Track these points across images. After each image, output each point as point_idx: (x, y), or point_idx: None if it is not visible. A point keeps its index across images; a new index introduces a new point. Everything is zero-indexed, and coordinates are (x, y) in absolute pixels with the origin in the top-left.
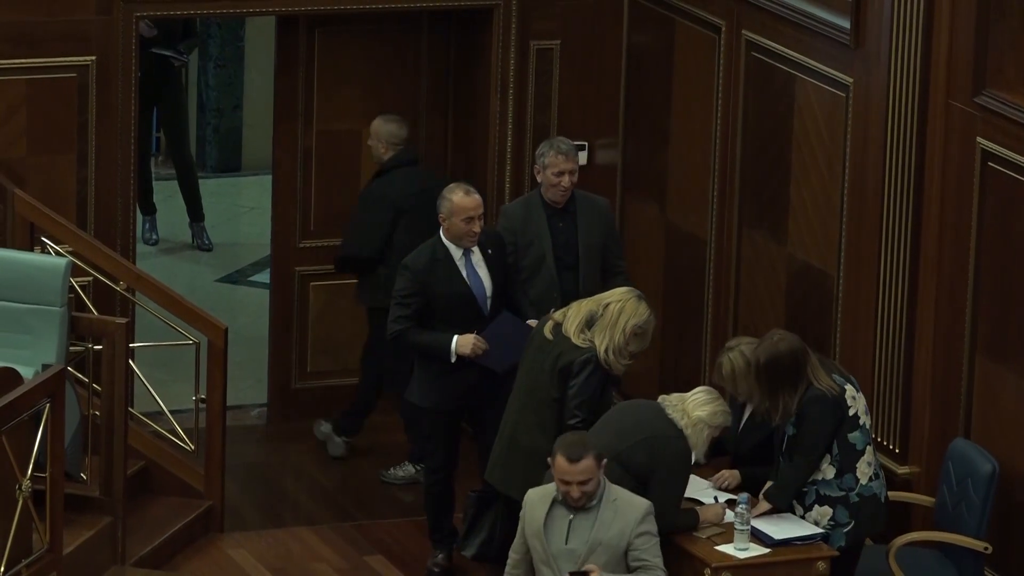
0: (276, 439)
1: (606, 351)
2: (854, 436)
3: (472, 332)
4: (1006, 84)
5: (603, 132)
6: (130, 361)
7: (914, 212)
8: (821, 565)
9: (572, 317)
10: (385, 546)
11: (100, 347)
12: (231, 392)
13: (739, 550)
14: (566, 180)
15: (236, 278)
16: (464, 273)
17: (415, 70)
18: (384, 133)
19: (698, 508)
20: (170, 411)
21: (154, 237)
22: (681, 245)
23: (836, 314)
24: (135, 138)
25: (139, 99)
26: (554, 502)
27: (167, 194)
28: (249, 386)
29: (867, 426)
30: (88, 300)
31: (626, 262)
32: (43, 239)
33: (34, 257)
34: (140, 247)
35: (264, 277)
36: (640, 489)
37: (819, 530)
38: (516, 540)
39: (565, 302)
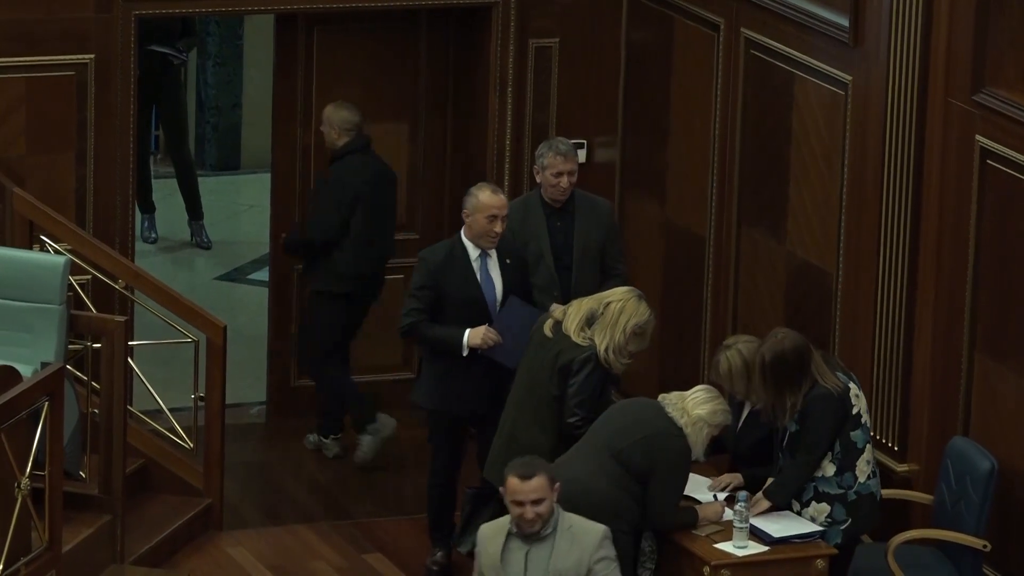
0: (275, 437)
1: (606, 350)
2: (856, 434)
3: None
4: (1005, 82)
5: (602, 130)
6: (129, 359)
7: (913, 210)
8: (820, 563)
9: (572, 315)
10: (384, 544)
11: (99, 345)
12: (230, 390)
13: (738, 548)
14: (565, 181)
15: (235, 276)
16: (478, 275)
17: (414, 68)
18: (337, 120)
19: (697, 506)
20: (169, 409)
21: (153, 235)
22: (680, 243)
23: (835, 312)
24: (134, 136)
25: (138, 97)
26: (509, 535)
27: (166, 192)
28: (248, 384)
29: (867, 424)
30: (87, 298)
31: (626, 266)
32: (42, 237)
33: (33, 255)
34: (139, 245)
35: (263, 275)
36: (639, 487)
37: (818, 528)
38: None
39: (565, 301)
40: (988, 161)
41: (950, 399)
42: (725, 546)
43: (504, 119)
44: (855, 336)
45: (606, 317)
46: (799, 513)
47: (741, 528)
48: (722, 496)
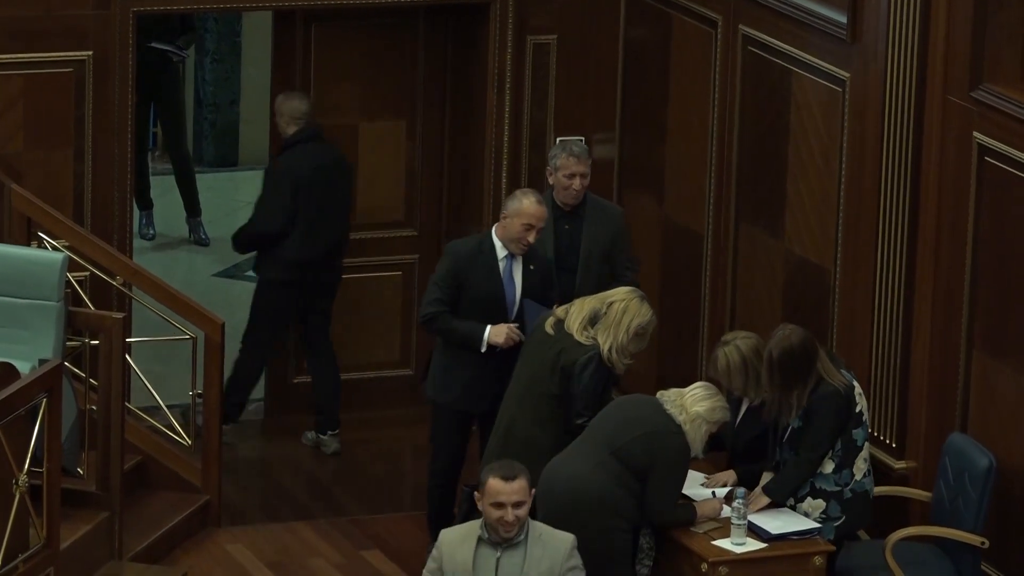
0: (273, 434)
1: (609, 349)
2: (857, 432)
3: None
4: (1003, 79)
5: (600, 127)
6: (127, 356)
7: (911, 207)
8: (818, 560)
9: (575, 314)
10: (382, 541)
11: (97, 342)
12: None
13: (736, 545)
14: (577, 183)
15: (233, 273)
16: (501, 274)
17: (412, 65)
18: (286, 109)
19: (695, 503)
20: (167, 406)
21: (151, 232)
22: (678, 240)
23: (833, 309)
24: (132, 133)
25: (136, 94)
26: (479, 541)
27: (164, 189)
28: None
29: (866, 422)
30: (85, 295)
31: (638, 273)
32: (40, 234)
33: (31, 252)
34: (137, 242)
35: None
36: (638, 484)
37: (816, 524)
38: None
39: (560, 304)
40: (986, 158)
41: (948, 396)
42: (723, 543)
43: (502, 116)
44: (853, 333)
45: (609, 317)
46: (793, 507)
47: (739, 525)
48: (720, 493)
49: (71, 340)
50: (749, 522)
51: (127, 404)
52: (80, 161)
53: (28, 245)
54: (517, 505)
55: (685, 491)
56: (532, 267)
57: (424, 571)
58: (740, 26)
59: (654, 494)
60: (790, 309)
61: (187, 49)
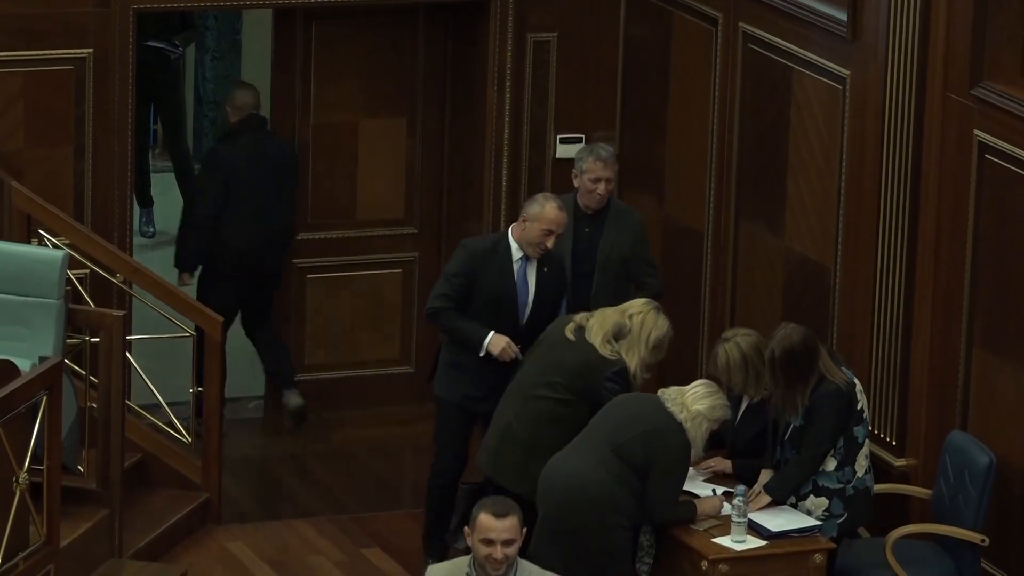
0: (273, 432)
1: (636, 367)
2: (857, 430)
3: (508, 336)
4: (1003, 76)
5: (600, 125)
6: (127, 353)
7: (911, 205)
8: (818, 557)
9: (597, 326)
10: (382, 538)
11: (97, 339)
12: (228, 385)
13: (736, 542)
14: (602, 187)
15: None
16: (515, 275)
17: (412, 62)
18: (233, 99)
19: (696, 501)
20: (167, 403)
21: (151, 230)
22: (678, 238)
23: (833, 307)
24: (132, 131)
25: (136, 92)
26: None
27: (164, 187)
28: (246, 379)
29: (867, 419)
30: (85, 292)
31: (659, 279)
32: (40, 231)
33: (31, 249)
34: (137, 239)
35: None
36: (639, 482)
37: (816, 522)
38: None
39: (573, 308)
40: (986, 155)
41: (948, 394)
42: (723, 540)
43: (502, 113)
44: (853, 331)
45: (633, 334)
46: (795, 505)
47: (739, 522)
48: (720, 491)
49: (71, 338)
50: (749, 520)
51: (127, 402)
52: (80, 159)
53: (28, 243)
54: (507, 543)
55: (685, 488)
56: (546, 269)
57: None
58: (740, 24)
59: (655, 492)
60: (790, 307)
61: (187, 46)
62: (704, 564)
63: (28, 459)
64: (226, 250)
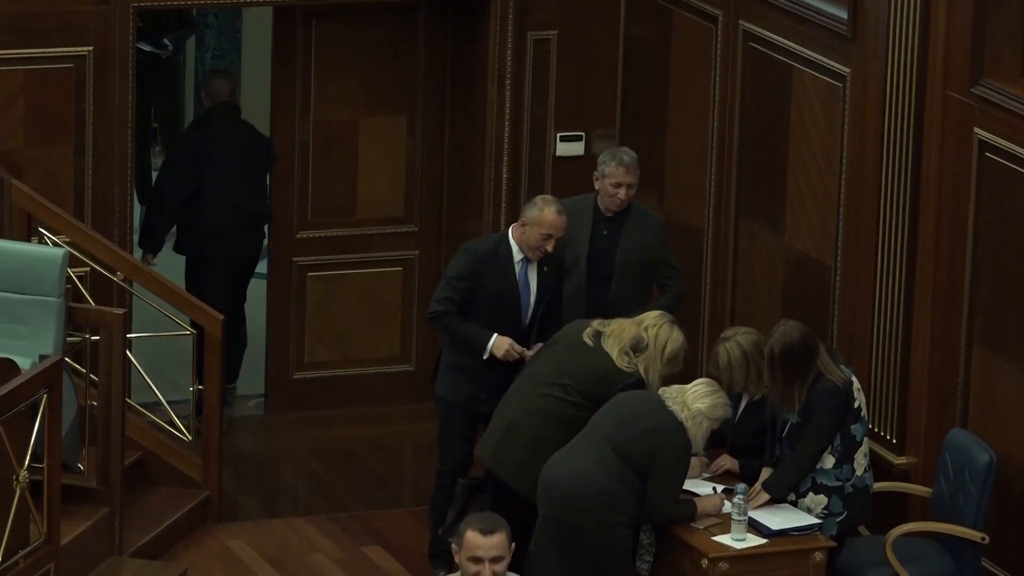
0: (274, 430)
1: (654, 381)
2: (855, 428)
3: (511, 337)
4: (1003, 74)
5: (600, 123)
6: (127, 352)
7: (911, 203)
8: (818, 556)
9: (614, 336)
10: (383, 537)
11: (97, 338)
12: None
13: (736, 540)
14: (623, 192)
15: None
16: (517, 276)
17: (412, 60)
18: (208, 86)
19: (696, 499)
20: (167, 401)
21: None
22: (679, 236)
23: (833, 305)
24: (132, 129)
25: (136, 90)
26: None
27: None
28: (246, 377)
29: (865, 417)
30: (85, 291)
31: (680, 281)
32: (40, 229)
33: (31, 248)
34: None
35: (261, 268)
36: (639, 480)
37: (816, 520)
38: None
39: (589, 310)
40: (986, 154)
41: (948, 392)
42: (723, 539)
43: (502, 112)
44: (853, 329)
45: (650, 348)
46: (795, 503)
47: (739, 521)
48: (720, 489)
49: (71, 336)
50: (750, 518)
51: (127, 400)
52: (81, 157)
53: (29, 241)
54: (495, 560)
55: (686, 487)
56: (546, 268)
57: None
58: (741, 22)
59: (655, 490)
60: (790, 306)
61: (175, 44)
62: (704, 562)
63: (28, 457)
64: (205, 234)
